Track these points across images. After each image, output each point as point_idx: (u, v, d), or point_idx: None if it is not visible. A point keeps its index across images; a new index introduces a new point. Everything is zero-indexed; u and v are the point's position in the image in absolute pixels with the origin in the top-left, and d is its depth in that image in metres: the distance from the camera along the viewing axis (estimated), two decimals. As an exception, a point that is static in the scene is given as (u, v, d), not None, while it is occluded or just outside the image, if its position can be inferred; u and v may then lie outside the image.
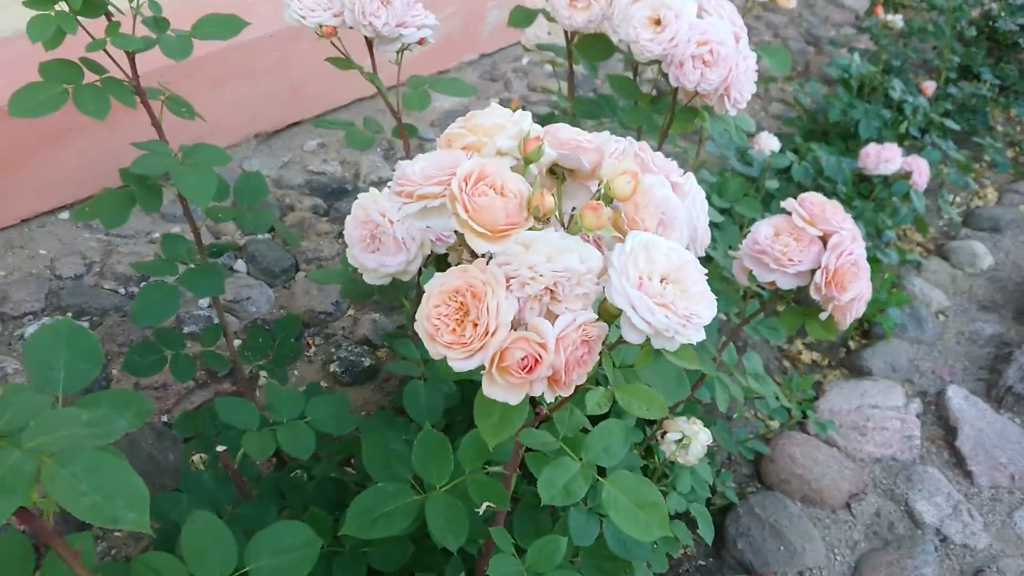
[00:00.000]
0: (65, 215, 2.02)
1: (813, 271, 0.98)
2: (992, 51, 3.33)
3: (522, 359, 0.57)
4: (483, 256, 0.59)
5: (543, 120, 1.43)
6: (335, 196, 2.26)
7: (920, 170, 1.85)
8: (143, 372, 1.22)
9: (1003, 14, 3.18)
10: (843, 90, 2.41)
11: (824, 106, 2.49)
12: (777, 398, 1.18)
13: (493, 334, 0.56)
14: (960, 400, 1.76)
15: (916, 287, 2.18)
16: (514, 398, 0.58)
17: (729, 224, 1.48)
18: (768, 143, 2.09)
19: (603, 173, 0.67)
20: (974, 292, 2.22)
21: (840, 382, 1.85)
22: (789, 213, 1.00)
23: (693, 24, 1.07)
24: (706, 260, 1.53)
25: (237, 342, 1.75)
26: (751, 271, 1.01)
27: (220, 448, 0.90)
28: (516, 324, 0.59)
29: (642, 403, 0.69)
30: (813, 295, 0.97)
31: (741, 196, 1.49)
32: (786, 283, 0.99)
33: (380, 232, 0.92)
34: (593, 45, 1.27)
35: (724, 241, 1.49)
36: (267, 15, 2.32)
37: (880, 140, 2.38)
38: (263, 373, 1.44)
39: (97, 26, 1.10)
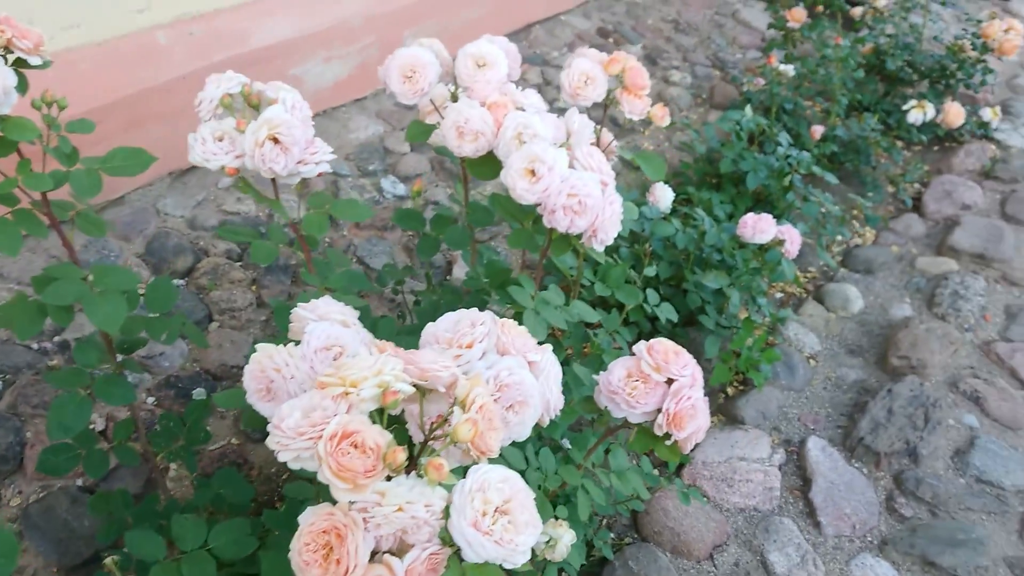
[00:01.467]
0: (-24, 264, 2.04)
1: (659, 410, 1.13)
2: (884, 80, 3.56)
3: (376, 592, 0.70)
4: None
5: (436, 221, 1.55)
6: (249, 239, 2.33)
7: (792, 239, 2.04)
8: (57, 472, 1.31)
9: (892, 51, 3.40)
10: (736, 139, 2.58)
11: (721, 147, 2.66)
12: (637, 497, 1.34)
13: (352, 571, 0.69)
14: (818, 452, 1.98)
15: (791, 332, 2.38)
16: (371, 618, 0.72)
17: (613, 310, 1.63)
18: (662, 196, 2.23)
19: (457, 392, 0.81)
20: (844, 336, 2.44)
21: (715, 432, 2.04)
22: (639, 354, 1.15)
23: (564, 177, 1.20)
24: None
25: (151, 405, 1.83)
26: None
27: (130, 579, 1.01)
28: (376, 550, 0.72)
29: (489, 581, 0.83)
30: (656, 432, 1.13)
31: (622, 283, 1.64)
32: (635, 419, 1.14)
33: (275, 387, 1.03)
34: (483, 165, 1.37)
35: (608, 324, 1.64)
36: (180, 58, 2.37)
37: (767, 187, 2.57)
38: (173, 465, 1.54)
39: (8, 160, 1.16)
